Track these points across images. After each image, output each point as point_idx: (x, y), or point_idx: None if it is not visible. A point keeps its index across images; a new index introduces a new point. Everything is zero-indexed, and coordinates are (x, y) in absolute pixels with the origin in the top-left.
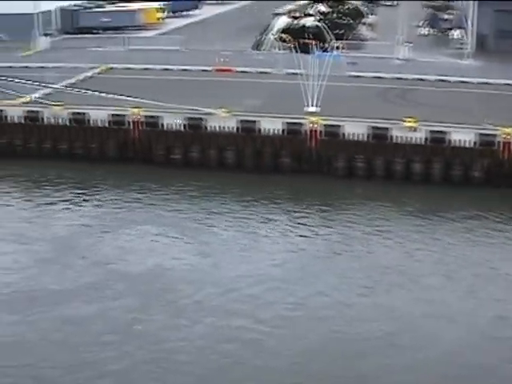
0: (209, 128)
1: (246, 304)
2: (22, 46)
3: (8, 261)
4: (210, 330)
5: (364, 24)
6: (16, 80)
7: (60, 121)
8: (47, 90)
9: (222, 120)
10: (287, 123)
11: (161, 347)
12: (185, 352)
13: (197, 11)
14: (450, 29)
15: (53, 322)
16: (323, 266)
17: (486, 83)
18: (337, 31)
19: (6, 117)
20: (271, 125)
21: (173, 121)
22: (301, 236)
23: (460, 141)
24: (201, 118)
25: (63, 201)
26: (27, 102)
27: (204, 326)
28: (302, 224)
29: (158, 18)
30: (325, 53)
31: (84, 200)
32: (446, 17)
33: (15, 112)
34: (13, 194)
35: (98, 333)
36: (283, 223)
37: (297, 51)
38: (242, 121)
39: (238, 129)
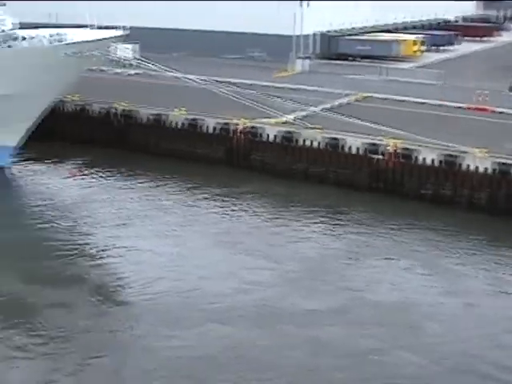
0: (463, 166)
1: (493, 351)
2: (279, 66)
3: (257, 277)
4: (453, 370)
5: None
6: (274, 100)
7: (315, 144)
8: (303, 113)
9: (478, 160)
10: None
11: None
12: None
13: (455, 46)
14: None
15: (295, 341)
16: None
17: None
18: None
19: (261, 134)
20: None
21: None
22: None
23: None
24: (456, 156)
25: (313, 223)
26: (284, 122)
27: (446, 368)
28: None
29: (415, 51)
30: None
31: (334, 224)
32: None
33: (272, 131)
34: (260, 211)
35: (335, 356)
36: None
37: None
38: (498, 163)
39: (493, 170)
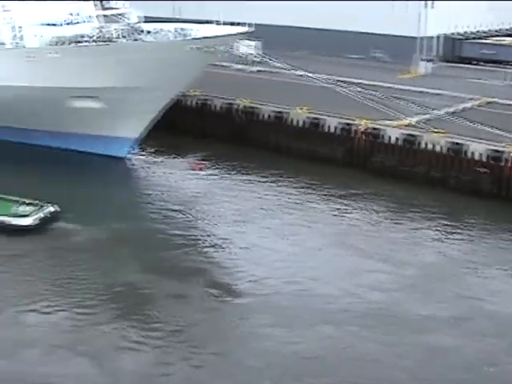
0: None
1: None
2: (401, 68)
3: (374, 280)
4: None
5: None
6: (397, 101)
7: (437, 148)
8: (426, 116)
9: None
10: None
11: None
12: None
13: None
14: None
15: (407, 348)
16: None
17: None
18: None
19: (383, 136)
20: None
21: None
22: None
23: None
24: None
25: (431, 228)
26: (407, 125)
27: None
28: None
29: None
30: None
31: (452, 232)
32: None
33: (394, 133)
34: (378, 213)
35: (448, 366)
36: None
37: None
38: None
39: None
